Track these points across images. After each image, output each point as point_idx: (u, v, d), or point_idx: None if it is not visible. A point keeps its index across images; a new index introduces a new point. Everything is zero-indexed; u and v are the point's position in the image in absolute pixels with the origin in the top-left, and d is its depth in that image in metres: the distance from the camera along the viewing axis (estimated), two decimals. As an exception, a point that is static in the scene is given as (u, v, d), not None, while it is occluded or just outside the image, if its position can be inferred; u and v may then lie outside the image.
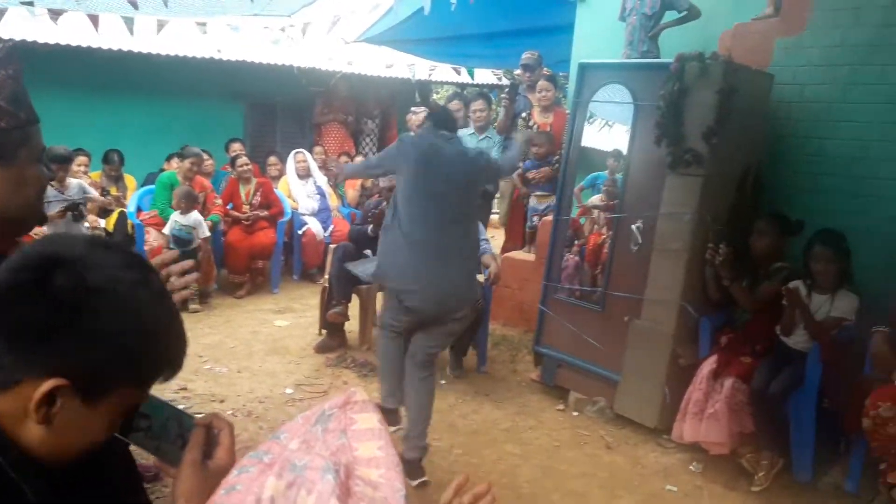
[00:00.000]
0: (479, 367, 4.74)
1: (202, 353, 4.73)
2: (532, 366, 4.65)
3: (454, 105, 6.74)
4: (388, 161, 3.45)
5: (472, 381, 4.57)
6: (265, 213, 6.48)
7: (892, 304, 3.32)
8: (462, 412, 4.07)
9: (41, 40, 6.64)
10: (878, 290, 3.43)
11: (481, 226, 4.81)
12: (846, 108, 3.85)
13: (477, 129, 6.32)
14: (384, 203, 4.42)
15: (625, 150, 4.03)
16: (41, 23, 6.30)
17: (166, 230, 5.70)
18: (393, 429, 3.36)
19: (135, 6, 5.42)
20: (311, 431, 1.34)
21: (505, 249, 6.27)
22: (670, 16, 4.60)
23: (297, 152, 7.27)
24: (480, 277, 4.55)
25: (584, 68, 4.28)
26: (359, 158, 8.32)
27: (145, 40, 6.98)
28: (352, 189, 7.68)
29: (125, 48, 7.12)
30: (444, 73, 9.83)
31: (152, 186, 6.27)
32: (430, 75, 9.83)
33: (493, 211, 7.39)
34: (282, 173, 7.21)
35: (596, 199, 4.50)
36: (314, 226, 6.81)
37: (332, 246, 5.53)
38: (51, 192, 4.98)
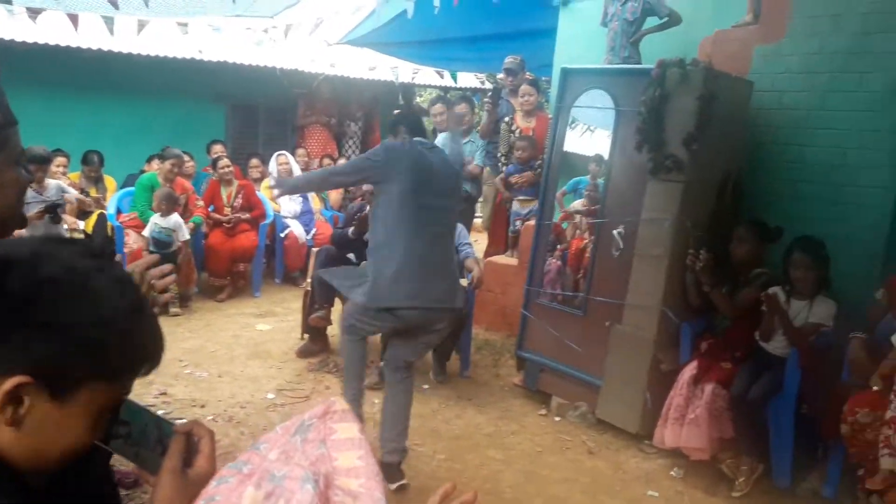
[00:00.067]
0: (462, 372, 4.74)
1: (182, 357, 4.69)
2: (515, 370, 4.66)
3: (437, 108, 6.75)
4: (373, 170, 3.13)
5: (455, 385, 4.56)
6: (247, 215, 6.44)
7: (869, 311, 3.37)
8: (445, 417, 4.07)
9: (19, 39, 6.56)
10: (856, 297, 3.47)
11: (464, 229, 4.82)
12: (825, 115, 3.89)
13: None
14: (367, 207, 4.39)
15: (606, 156, 4.05)
16: (19, 21, 6.23)
17: (146, 232, 5.64)
18: None
19: (115, 6, 5.37)
20: (290, 442, 1.33)
21: (488, 253, 6.28)
22: (651, 22, 4.64)
23: (279, 154, 7.24)
24: (464, 282, 4.55)
25: (566, 73, 4.30)
26: (342, 161, 8.30)
27: (126, 40, 6.91)
28: (335, 192, 7.65)
29: (105, 48, 7.05)
30: (427, 76, 9.84)
31: (132, 188, 6.21)
32: (413, 78, 9.84)
33: (476, 215, 7.40)
34: (264, 175, 7.17)
35: (578, 203, 4.52)
36: (296, 229, 6.78)
37: (314, 249, 5.50)
38: (29, 193, 4.90)
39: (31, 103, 6.45)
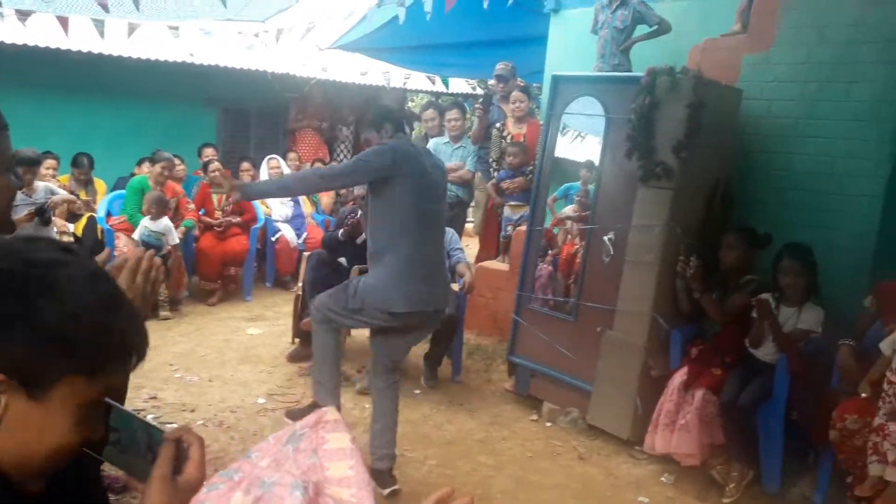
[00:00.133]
0: (454, 377, 4.74)
1: (173, 361, 4.67)
2: (506, 375, 4.67)
3: (429, 114, 6.77)
4: (379, 172, 2.99)
5: (446, 391, 4.56)
6: (238, 219, 6.42)
7: (857, 318, 3.40)
8: (436, 422, 4.07)
9: (8, 41, 6.52)
10: (845, 304, 3.51)
11: (456, 235, 4.82)
12: (813, 124, 3.93)
13: (452, 139, 6.36)
14: (359, 211, 4.39)
15: (597, 162, 4.07)
16: (9, 24, 6.20)
17: (136, 236, 5.62)
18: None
19: (105, 9, 5.35)
20: (282, 451, 1.33)
21: (479, 259, 6.29)
22: (641, 30, 4.67)
23: (270, 158, 7.23)
24: (455, 287, 4.56)
25: (557, 80, 4.32)
26: (333, 165, 8.29)
27: (116, 43, 6.89)
28: (326, 196, 7.64)
29: (96, 51, 7.02)
30: (418, 81, 9.85)
31: (123, 191, 6.18)
32: (404, 83, 9.85)
33: (467, 220, 7.41)
34: (255, 179, 7.15)
35: (569, 209, 4.54)
36: (288, 233, 6.76)
37: (305, 253, 5.49)
38: (18, 195, 4.88)
39: (20, 106, 6.40)
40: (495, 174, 5.87)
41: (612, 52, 4.77)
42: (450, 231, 4.58)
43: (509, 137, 5.88)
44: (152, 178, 5.99)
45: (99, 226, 5.93)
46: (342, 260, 4.76)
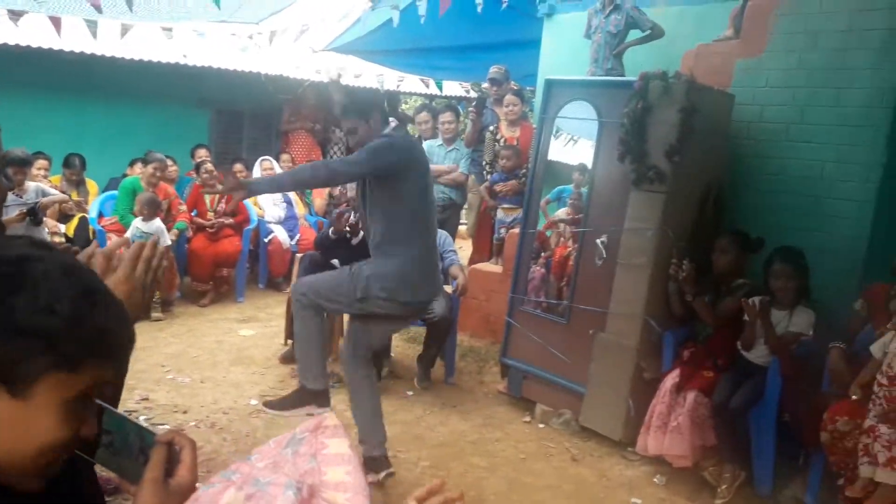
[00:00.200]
0: (447, 379, 4.74)
1: (165, 362, 4.66)
2: (499, 377, 4.67)
3: (423, 117, 6.78)
4: (394, 166, 2.98)
5: (439, 392, 4.57)
6: (230, 220, 6.41)
7: (848, 321, 3.43)
8: (429, 424, 4.07)
9: (0, 41, 6.49)
10: (835, 307, 3.54)
11: (449, 237, 4.84)
12: (805, 129, 3.96)
13: (445, 141, 6.37)
14: (353, 213, 4.39)
15: (590, 165, 4.09)
16: (1, 23, 6.17)
17: (127, 236, 5.59)
18: (321, 411, 3.20)
19: (98, 9, 5.34)
20: (281, 454, 1.34)
21: (472, 261, 6.31)
22: (634, 34, 4.70)
23: (263, 160, 7.22)
24: (448, 289, 4.57)
25: (550, 84, 4.34)
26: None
27: (109, 44, 6.86)
28: (319, 198, 7.64)
29: (88, 51, 6.99)
30: (412, 84, 9.87)
31: (115, 192, 6.16)
32: (398, 86, 9.86)
33: (460, 222, 7.42)
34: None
35: (562, 212, 4.55)
36: (280, 234, 6.76)
37: (298, 255, 5.49)
38: (9, 196, 4.86)
39: (12, 106, 6.38)
40: (489, 177, 5.89)
41: (605, 56, 4.80)
42: (443, 233, 4.59)
43: (503, 140, 5.90)
44: (144, 179, 5.98)
45: (90, 227, 5.91)
46: (335, 261, 4.75)
